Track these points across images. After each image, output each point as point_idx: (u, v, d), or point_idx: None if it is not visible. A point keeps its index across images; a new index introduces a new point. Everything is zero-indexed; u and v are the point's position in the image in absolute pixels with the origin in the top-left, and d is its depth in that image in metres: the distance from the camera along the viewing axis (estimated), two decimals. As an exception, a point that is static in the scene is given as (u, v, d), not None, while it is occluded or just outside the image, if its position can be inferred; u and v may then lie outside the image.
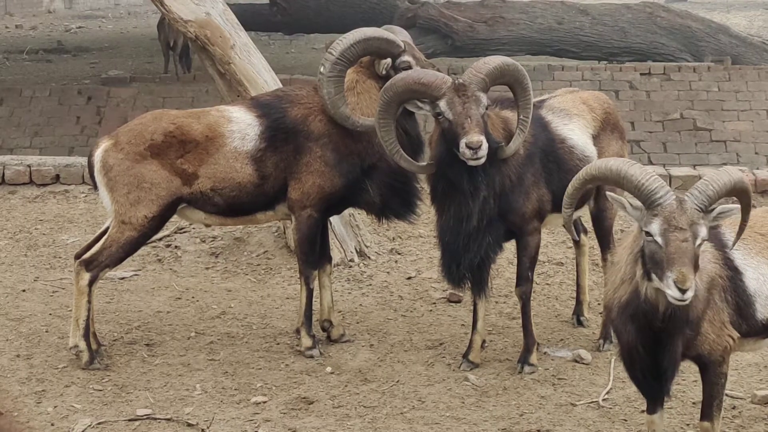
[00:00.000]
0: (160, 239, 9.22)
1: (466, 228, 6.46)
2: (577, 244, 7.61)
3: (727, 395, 6.32)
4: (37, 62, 22.35)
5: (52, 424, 6.09)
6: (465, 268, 6.60)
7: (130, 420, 6.15)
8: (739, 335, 5.17)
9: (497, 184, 6.47)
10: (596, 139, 7.03)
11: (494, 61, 6.40)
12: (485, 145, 6.14)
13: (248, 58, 8.64)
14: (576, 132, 6.88)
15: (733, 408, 6.22)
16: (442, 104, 6.26)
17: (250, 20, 18.57)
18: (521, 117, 6.45)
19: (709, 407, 5.25)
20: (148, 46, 24.27)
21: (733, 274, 5.16)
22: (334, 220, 8.33)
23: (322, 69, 6.74)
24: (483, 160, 6.19)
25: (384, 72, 6.87)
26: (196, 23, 8.47)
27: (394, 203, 7.16)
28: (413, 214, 7.26)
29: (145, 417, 6.18)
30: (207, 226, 8.69)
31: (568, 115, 6.96)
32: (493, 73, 6.33)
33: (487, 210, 6.45)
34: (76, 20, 33.40)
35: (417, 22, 18.80)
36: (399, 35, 7.02)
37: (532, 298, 6.93)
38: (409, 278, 8.53)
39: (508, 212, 6.58)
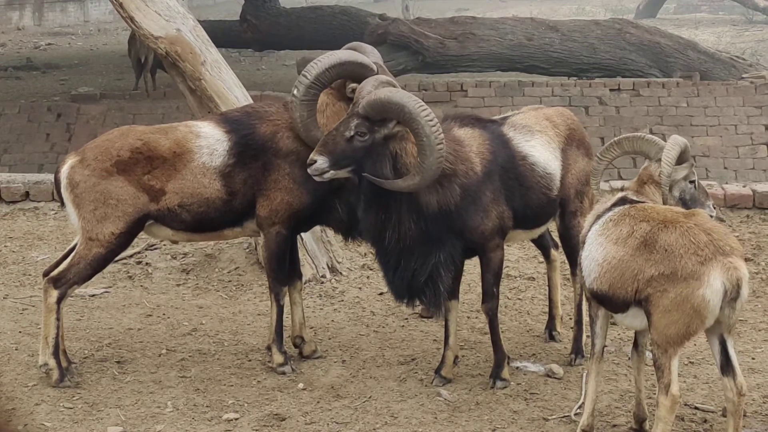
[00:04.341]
0: (131, 256, 9.19)
1: (380, 247, 6.54)
2: (548, 258, 7.64)
3: (698, 408, 6.39)
4: (6, 79, 22.23)
5: (22, 443, 6.05)
6: (401, 285, 6.60)
7: (100, 438, 6.12)
8: None
9: (423, 207, 6.39)
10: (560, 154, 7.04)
11: (379, 93, 6.26)
12: (317, 166, 6.25)
13: (219, 75, 8.63)
14: (537, 149, 6.84)
15: (705, 421, 6.25)
16: None
17: (220, 37, 18.57)
18: (419, 160, 6.22)
19: None
20: (118, 63, 24.20)
21: None
22: (305, 236, 8.32)
23: (295, 92, 6.68)
24: (318, 179, 6.33)
25: (351, 95, 6.81)
26: (166, 39, 8.45)
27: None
28: None
29: (116, 435, 6.16)
30: (174, 242, 8.66)
31: (530, 132, 6.91)
32: (372, 105, 6.24)
33: (403, 233, 6.41)
34: (45, 37, 33.25)
35: (387, 38, 18.81)
36: (370, 55, 6.97)
37: (503, 313, 6.95)
38: (381, 294, 8.52)
39: (464, 230, 6.55)
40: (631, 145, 6.20)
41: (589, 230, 5.85)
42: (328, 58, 6.69)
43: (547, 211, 6.95)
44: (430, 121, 6.11)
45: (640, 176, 6.08)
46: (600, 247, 5.67)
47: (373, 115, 6.23)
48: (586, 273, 5.78)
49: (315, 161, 6.27)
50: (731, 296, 5.29)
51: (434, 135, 6.11)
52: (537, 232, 7.22)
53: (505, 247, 6.86)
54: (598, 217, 5.85)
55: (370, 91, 6.32)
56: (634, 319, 5.63)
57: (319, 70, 6.63)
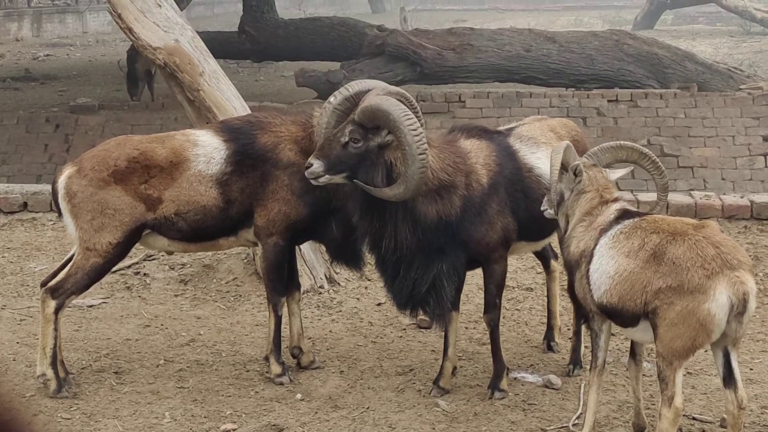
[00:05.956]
0: (129, 266, 9.18)
1: (378, 256, 6.55)
2: (548, 269, 7.63)
3: (696, 419, 6.38)
4: (4, 90, 22.26)
5: (19, 454, 6.02)
6: (401, 294, 6.60)
7: (98, 449, 6.11)
8: None
9: (420, 217, 6.38)
10: (564, 166, 7.04)
11: (371, 100, 6.25)
12: (313, 169, 6.29)
13: (217, 85, 8.63)
14: (543, 160, 6.85)
15: (703, 432, 6.25)
16: None
17: (218, 48, 18.57)
18: (403, 169, 6.22)
19: None
20: (117, 74, 24.20)
21: None
22: (304, 246, 8.32)
23: (332, 99, 6.52)
24: (314, 182, 6.37)
25: None
26: (164, 50, 8.46)
27: (349, 248, 7.10)
28: (361, 266, 7.32)
29: (113, 445, 6.15)
30: (169, 253, 8.64)
31: (536, 144, 6.91)
32: (364, 112, 6.24)
33: (400, 242, 6.40)
34: (44, 48, 33.30)
35: (385, 49, 18.84)
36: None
37: (501, 324, 6.93)
38: (379, 304, 8.52)
39: (469, 242, 6.55)
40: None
41: (595, 244, 5.78)
42: (376, 82, 6.66)
43: (552, 223, 6.94)
44: (414, 130, 6.10)
45: (607, 185, 6.10)
46: (612, 260, 5.63)
47: (366, 122, 6.23)
48: (595, 286, 5.72)
49: (311, 164, 6.29)
50: (738, 310, 5.26)
51: (417, 144, 6.10)
52: (541, 244, 7.21)
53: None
54: (603, 230, 5.80)
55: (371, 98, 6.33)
56: (644, 333, 5.59)
57: (362, 88, 6.53)
